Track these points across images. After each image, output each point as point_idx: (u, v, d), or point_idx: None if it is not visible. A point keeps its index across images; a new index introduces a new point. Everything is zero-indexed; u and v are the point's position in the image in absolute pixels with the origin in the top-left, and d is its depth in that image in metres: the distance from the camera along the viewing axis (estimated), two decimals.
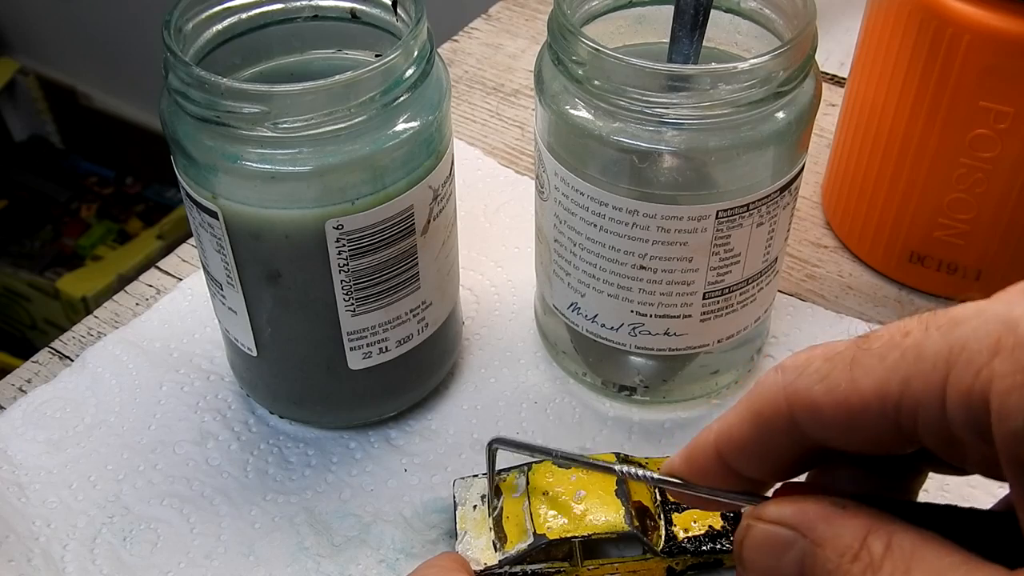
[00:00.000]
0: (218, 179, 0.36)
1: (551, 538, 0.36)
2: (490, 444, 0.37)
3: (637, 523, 0.37)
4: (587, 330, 0.43)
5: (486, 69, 0.66)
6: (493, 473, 0.38)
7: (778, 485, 0.25)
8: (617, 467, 0.31)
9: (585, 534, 0.36)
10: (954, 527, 0.22)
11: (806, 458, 0.24)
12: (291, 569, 0.39)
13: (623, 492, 0.37)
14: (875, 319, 0.49)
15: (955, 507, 0.23)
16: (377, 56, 0.36)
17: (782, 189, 0.39)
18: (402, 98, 0.36)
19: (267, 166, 0.35)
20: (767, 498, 0.25)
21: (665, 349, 0.42)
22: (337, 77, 0.34)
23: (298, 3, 0.40)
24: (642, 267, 0.39)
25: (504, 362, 0.47)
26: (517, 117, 0.62)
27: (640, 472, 0.29)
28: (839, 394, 0.22)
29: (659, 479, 0.27)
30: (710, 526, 0.38)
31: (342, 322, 0.39)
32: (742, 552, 0.24)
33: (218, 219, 0.37)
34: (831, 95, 0.60)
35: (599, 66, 0.36)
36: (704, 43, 0.39)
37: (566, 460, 0.36)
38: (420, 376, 0.44)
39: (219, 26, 0.39)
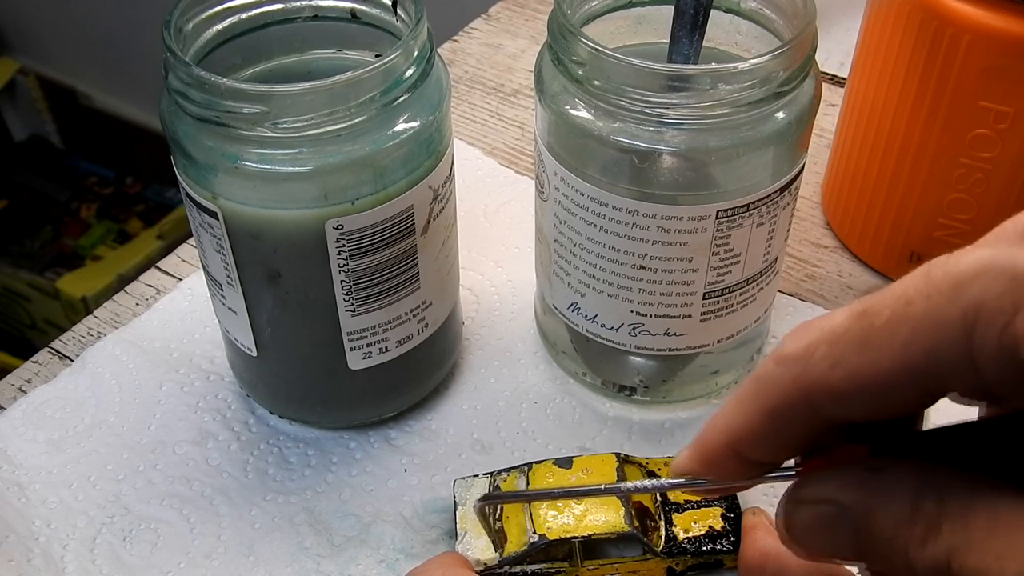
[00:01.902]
0: (218, 179, 0.36)
1: (551, 538, 0.36)
2: (478, 502, 0.37)
3: (637, 523, 0.37)
4: (587, 330, 0.43)
5: (486, 69, 0.66)
6: (493, 525, 0.38)
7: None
8: (624, 486, 0.30)
9: (585, 534, 0.36)
10: (977, 444, 0.22)
11: (824, 431, 0.24)
12: (291, 569, 0.39)
13: None
14: None
15: (972, 422, 0.23)
16: (377, 56, 0.36)
17: (782, 189, 0.39)
18: (402, 98, 0.36)
19: (267, 166, 0.35)
20: (791, 471, 0.25)
21: (665, 349, 0.42)
22: (337, 77, 0.34)
23: (298, 3, 0.40)
24: (642, 267, 0.39)
25: (504, 362, 0.47)
26: (517, 117, 0.62)
27: (648, 483, 0.28)
28: (860, 378, 0.21)
29: (671, 484, 0.27)
30: (710, 526, 0.38)
31: (342, 322, 0.39)
32: (791, 538, 0.24)
33: (218, 219, 0.37)
34: (831, 95, 0.60)
35: (599, 66, 0.36)
36: (704, 43, 0.39)
37: (569, 494, 0.36)
38: (420, 376, 0.44)
39: (219, 26, 0.39)
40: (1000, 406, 0.22)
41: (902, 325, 0.20)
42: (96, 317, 0.50)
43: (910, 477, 0.21)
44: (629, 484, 0.29)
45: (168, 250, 0.55)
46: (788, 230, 0.42)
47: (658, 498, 0.39)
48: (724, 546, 0.37)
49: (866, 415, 0.22)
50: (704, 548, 0.37)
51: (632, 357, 0.44)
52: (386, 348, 0.41)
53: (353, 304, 0.39)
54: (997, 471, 0.21)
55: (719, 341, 0.42)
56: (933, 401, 0.21)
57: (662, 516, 0.38)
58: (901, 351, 0.20)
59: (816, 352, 0.22)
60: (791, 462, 0.25)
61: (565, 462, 0.39)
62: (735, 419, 0.24)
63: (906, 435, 0.23)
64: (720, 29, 0.40)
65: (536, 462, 0.39)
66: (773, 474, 0.25)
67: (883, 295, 0.21)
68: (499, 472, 0.40)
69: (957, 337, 0.19)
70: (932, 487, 0.21)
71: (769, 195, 0.38)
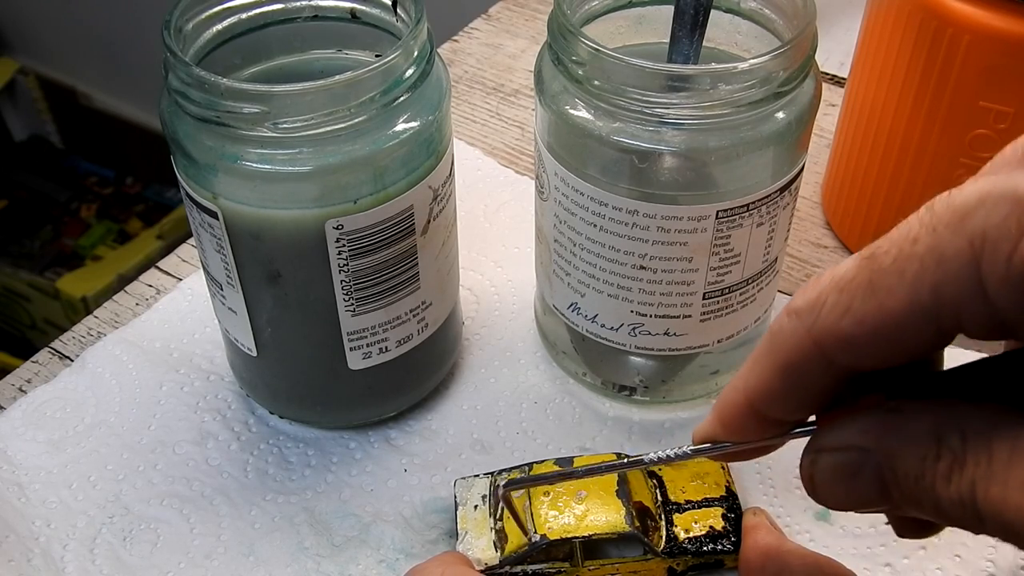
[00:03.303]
0: (218, 179, 0.36)
1: (552, 538, 0.36)
2: (500, 488, 0.37)
3: (638, 523, 0.37)
4: (587, 330, 0.43)
5: (486, 69, 0.66)
6: (513, 512, 0.38)
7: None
8: (647, 457, 0.30)
9: (586, 534, 0.36)
10: (992, 379, 0.22)
11: (841, 383, 0.23)
12: (291, 569, 0.39)
13: (624, 492, 0.37)
14: None
15: (986, 358, 0.23)
16: (377, 56, 0.37)
17: (782, 189, 0.39)
18: (402, 98, 0.36)
19: (267, 166, 0.35)
20: (812, 426, 0.25)
21: (665, 349, 0.42)
22: (337, 77, 0.34)
23: (298, 3, 0.40)
24: (642, 267, 0.39)
25: (504, 362, 0.47)
26: (517, 117, 0.62)
27: (671, 452, 0.28)
28: (870, 323, 0.21)
29: (694, 451, 0.27)
30: (711, 526, 0.38)
31: (342, 322, 0.39)
32: (815, 488, 0.24)
33: (218, 219, 0.37)
34: (831, 95, 0.60)
35: (599, 66, 0.36)
36: (704, 43, 0.39)
37: (592, 471, 0.36)
38: (420, 376, 0.44)
39: (219, 26, 0.39)
40: (1015, 339, 0.21)
41: (909, 263, 0.20)
42: (96, 317, 0.50)
43: (929, 415, 0.21)
44: (652, 455, 0.29)
45: (168, 250, 0.55)
46: (788, 230, 0.42)
47: (659, 498, 0.39)
48: (725, 546, 0.37)
49: (880, 361, 0.22)
50: (705, 548, 0.37)
51: (632, 357, 0.44)
52: (386, 348, 0.41)
53: (353, 304, 0.39)
54: (1014, 405, 0.21)
55: (719, 341, 0.42)
56: (946, 341, 0.21)
57: (663, 516, 0.38)
58: (909, 289, 0.20)
59: (826, 301, 0.22)
60: (811, 419, 0.25)
61: (566, 462, 0.39)
62: (752, 377, 0.24)
63: (921, 377, 0.23)
64: (720, 29, 0.40)
65: (536, 462, 0.39)
66: (795, 431, 0.25)
67: (888, 236, 0.21)
68: (499, 472, 0.40)
69: (965, 268, 0.19)
70: (953, 422, 0.21)
71: (769, 195, 0.38)
